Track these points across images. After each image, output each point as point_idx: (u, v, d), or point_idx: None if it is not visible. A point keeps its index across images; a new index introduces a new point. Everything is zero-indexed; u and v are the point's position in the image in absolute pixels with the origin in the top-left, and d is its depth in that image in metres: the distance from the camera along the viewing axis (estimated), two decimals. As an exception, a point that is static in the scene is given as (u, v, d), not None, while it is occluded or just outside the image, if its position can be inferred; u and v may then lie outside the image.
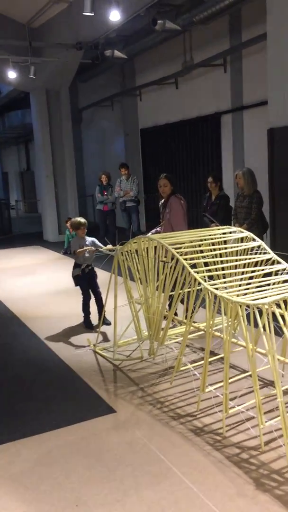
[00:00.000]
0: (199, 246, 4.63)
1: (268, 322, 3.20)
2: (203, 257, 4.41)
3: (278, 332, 3.43)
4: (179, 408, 3.99)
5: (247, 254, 4.47)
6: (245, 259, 4.38)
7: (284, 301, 3.29)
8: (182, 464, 3.25)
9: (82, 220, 6.06)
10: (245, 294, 3.69)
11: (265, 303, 3.25)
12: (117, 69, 13.61)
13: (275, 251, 4.41)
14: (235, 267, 4.40)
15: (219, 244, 4.63)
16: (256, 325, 3.44)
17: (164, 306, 4.64)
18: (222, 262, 4.40)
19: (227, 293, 3.68)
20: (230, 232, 4.81)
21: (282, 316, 3.25)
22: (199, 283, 3.87)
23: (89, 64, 12.61)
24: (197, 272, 4.02)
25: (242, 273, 4.34)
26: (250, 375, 3.62)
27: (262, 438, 3.37)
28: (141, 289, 4.80)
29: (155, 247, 4.64)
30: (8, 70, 11.40)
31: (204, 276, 4.00)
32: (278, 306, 3.29)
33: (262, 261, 4.30)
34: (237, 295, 3.64)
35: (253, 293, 3.68)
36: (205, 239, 4.68)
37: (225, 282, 4.05)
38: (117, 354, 5.07)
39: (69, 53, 11.33)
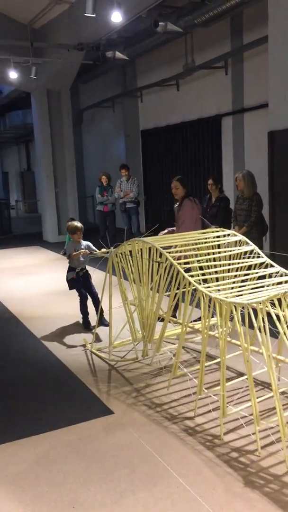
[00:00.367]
0: (193, 249, 4.63)
1: (263, 320, 3.21)
2: (198, 261, 4.43)
3: (275, 335, 3.43)
4: (176, 409, 3.99)
5: (240, 258, 4.49)
6: (238, 263, 4.40)
7: (279, 300, 3.30)
8: (179, 466, 3.24)
9: (79, 224, 6.14)
10: (240, 296, 3.70)
11: (259, 302, 3.26)
12: (118, 70, 13.63)
13: (275, 253, 4.42)
14: (228, 270, 4.42)
15: (213, 248, 4.67)
16: (251, 326, 3.44)
17: (159, 307, 4.64)
18: (216, 266, 4.43)
19: (220, 295, 3.69)
20: (224, 236, 4.84)
21: (277, 316, 3.25)
22: (191, 285, 3.89)
23: (90, 65, 12.62)
24: (192, 276, 4.04)
25: (235, 276, 4.35)
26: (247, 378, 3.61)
27: (259, 440, 3.36)
28: (135, 291, 4.83)
29: (149, 249, 4.65)
30: (10, 70, 11.41)
31: (199, 280, 4.04)
32: (273, 306, 3.29)
33: (256, 264, 4.33)
34: (232, 297, 3.65)
35: (246, 294, 3.69)
36: (199, 243, 4.70)
37: (218, 285, 4.07)
38: (112, 355, 5.08)
39: (71, 54, 11.34)
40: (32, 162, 25.17)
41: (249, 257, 4.44)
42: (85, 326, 6.08)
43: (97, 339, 5.63)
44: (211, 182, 7.50)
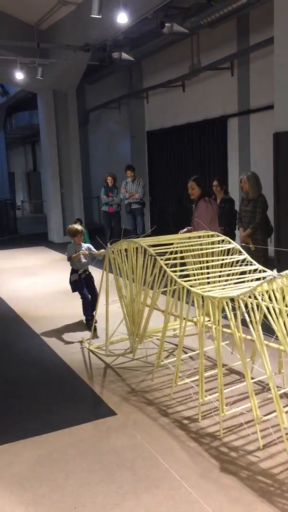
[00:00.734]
0: (182, 252, 4.83)
1: (253, 311, 3.31)
2: (182, 257, 4.74)
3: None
4: (178, 411, 3.98)
5: (232, 266, 4.60)
6: (230, 270, 4.47)
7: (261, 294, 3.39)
8: (181, 468, 3.24)
9: (79, 227, 6.22)
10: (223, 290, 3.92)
11: (235, 296, 3.45)
12: (124, 71, 13.65)
13: (280, 249, 4.49)
14: (219, 276, 4.48)
15: (206, 254, 4.83)
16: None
17: (146, 301, 4.75)
18: (201, 262, 4.68)
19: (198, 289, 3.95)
20: (219, 242, 4.92)
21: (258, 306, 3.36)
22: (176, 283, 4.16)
23: (97, 66, 12.65)
24: (187, 276, 4.30)
25: (220, 271, 4.52)
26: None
27: (260, 436, 3.36)
28: (127, 287, 4.93)
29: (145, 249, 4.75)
30: (16, 71, 11.45)
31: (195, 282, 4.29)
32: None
33: (250, 271, 4.42)
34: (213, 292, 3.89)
35: (229, 290, 3.93)
36: (193, 244, 4.85)
37: (197, 279, 4.35)
38: (109, 352, 5.17)
39: (77, 54, 11.36)
40: (38, 163, 25.26)
41: (241, 265, 4.54)
42: (89, 327, 6.08)
43: (97, 337, 5.71)
44: (216, 184, 7.50)
